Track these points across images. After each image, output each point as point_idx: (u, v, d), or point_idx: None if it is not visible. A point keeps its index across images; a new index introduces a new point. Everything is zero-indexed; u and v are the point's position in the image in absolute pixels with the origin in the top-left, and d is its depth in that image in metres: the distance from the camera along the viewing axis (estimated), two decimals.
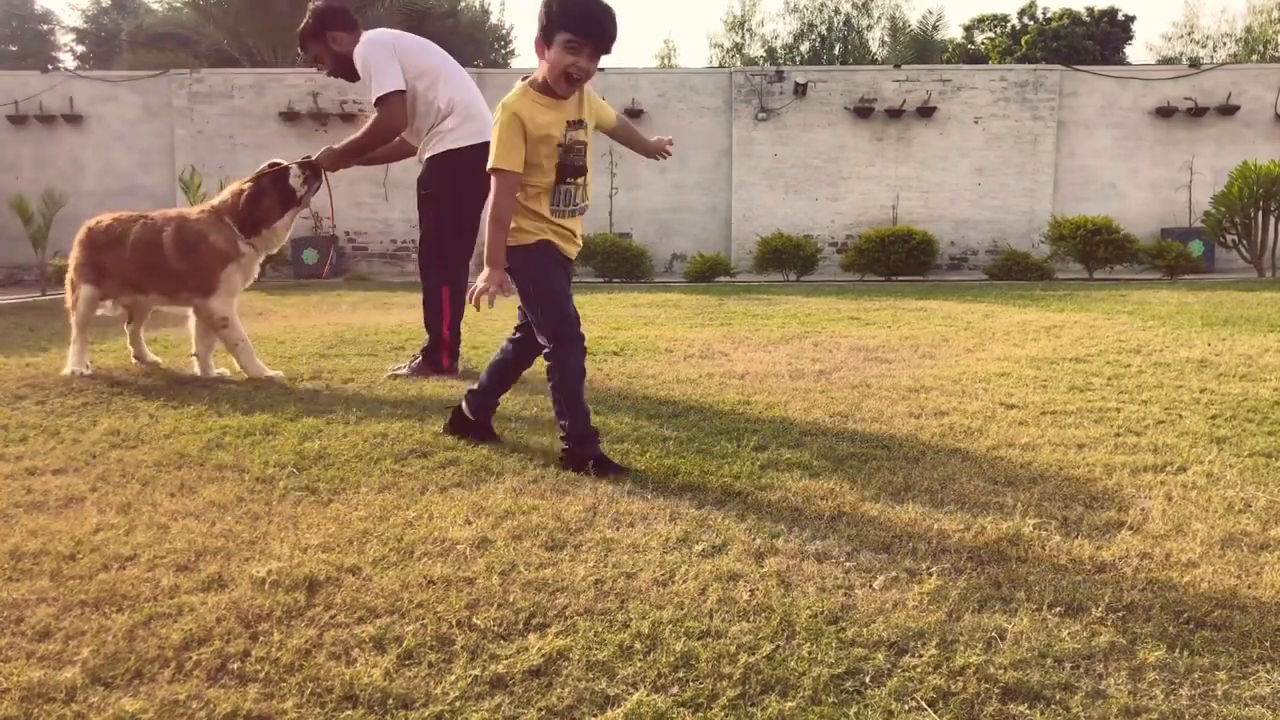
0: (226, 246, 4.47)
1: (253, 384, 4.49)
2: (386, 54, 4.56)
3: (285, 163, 4.58)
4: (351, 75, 4.74)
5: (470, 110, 4.74)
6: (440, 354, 4.78)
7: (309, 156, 4.66)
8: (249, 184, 4.53)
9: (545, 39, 2.88)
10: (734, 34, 34.89)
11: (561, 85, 2.91)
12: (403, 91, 4.54)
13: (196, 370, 4.74)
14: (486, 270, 3.00)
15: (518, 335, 3.26)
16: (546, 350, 3.03)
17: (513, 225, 3.02)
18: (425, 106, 4.67)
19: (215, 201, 4.63)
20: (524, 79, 3.01)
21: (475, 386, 3.37)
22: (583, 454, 2.98)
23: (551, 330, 3.01)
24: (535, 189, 3.01)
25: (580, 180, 3.07)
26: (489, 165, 2.96)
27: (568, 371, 2.99)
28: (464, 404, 3.38)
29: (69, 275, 4.86)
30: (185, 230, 4.48)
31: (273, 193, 4.50)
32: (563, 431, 3.03)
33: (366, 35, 4.67)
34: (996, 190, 14.54)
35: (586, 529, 2.45)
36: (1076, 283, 11.37)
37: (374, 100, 4.56)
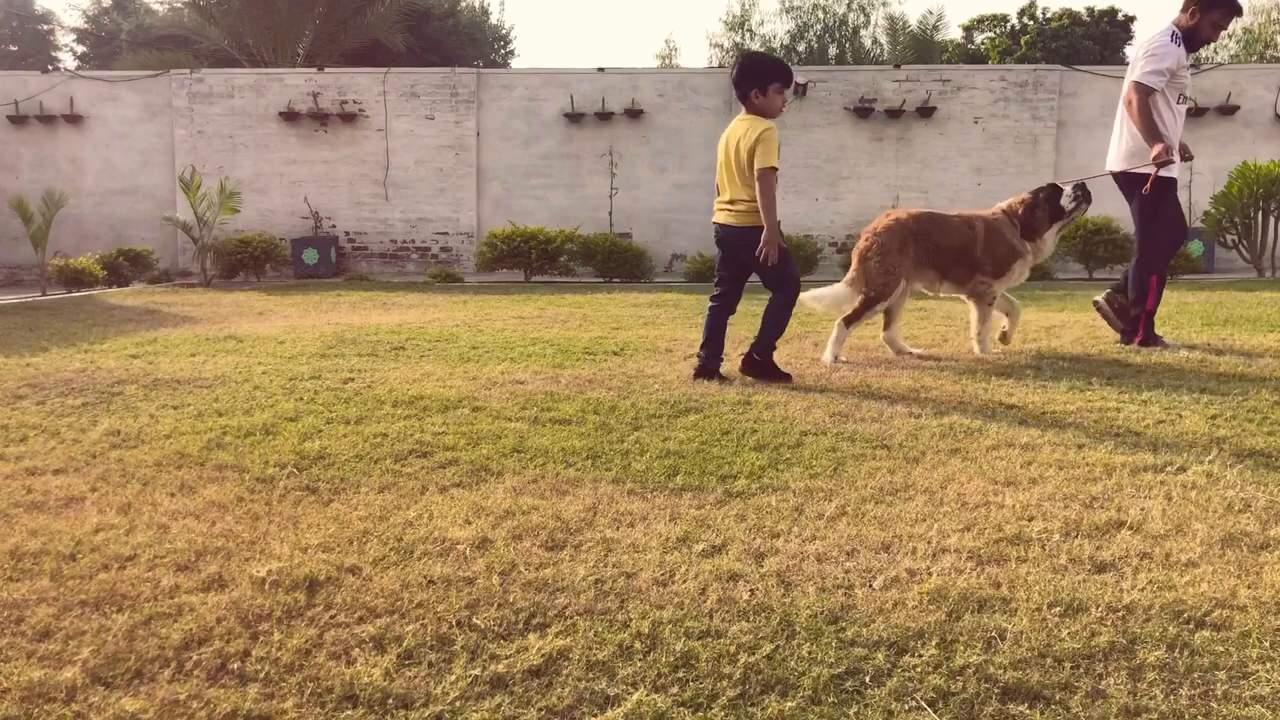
0: (1018, 245, 5.21)
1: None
2: None
3: (1065, 186, 5.29)
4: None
5: None
6: (1139, 327, 5.42)
7: (1083, 180, 5.30)
8: (1024, 198, 5.28)
9: (761, 87, 4.51)
10: (734, 34, 34.89)
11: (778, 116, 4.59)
12: None
13: (978, 350, 5.26)
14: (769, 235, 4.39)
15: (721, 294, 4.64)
16: (785, 291, 4.56)
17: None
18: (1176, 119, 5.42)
19: (1004, 205, 5.35)
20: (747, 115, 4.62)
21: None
22: (763, 364, 4.51)
23: (795, 279, 4.62)
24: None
25: None
26: (772, 164, 4.38)
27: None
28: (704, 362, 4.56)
29: (874, 263, 5.08)
30: (992, 228, 5.19)
31: (1045, 208, 5.23)
32: (764, 349, 4.53)
33: None
34: (996, 190, 14.51)
35: (586, 529, 2.45)
36: (1076, 283, 11.37)
37: None
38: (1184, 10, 5.42)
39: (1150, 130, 5.28)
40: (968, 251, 5.17)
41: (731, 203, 4.53)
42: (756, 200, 4.40)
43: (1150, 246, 5.49)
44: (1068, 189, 5.26)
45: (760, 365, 4.53)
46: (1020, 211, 5.23)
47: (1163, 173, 5.34)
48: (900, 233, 5.11)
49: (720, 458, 3.12)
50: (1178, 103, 5.49)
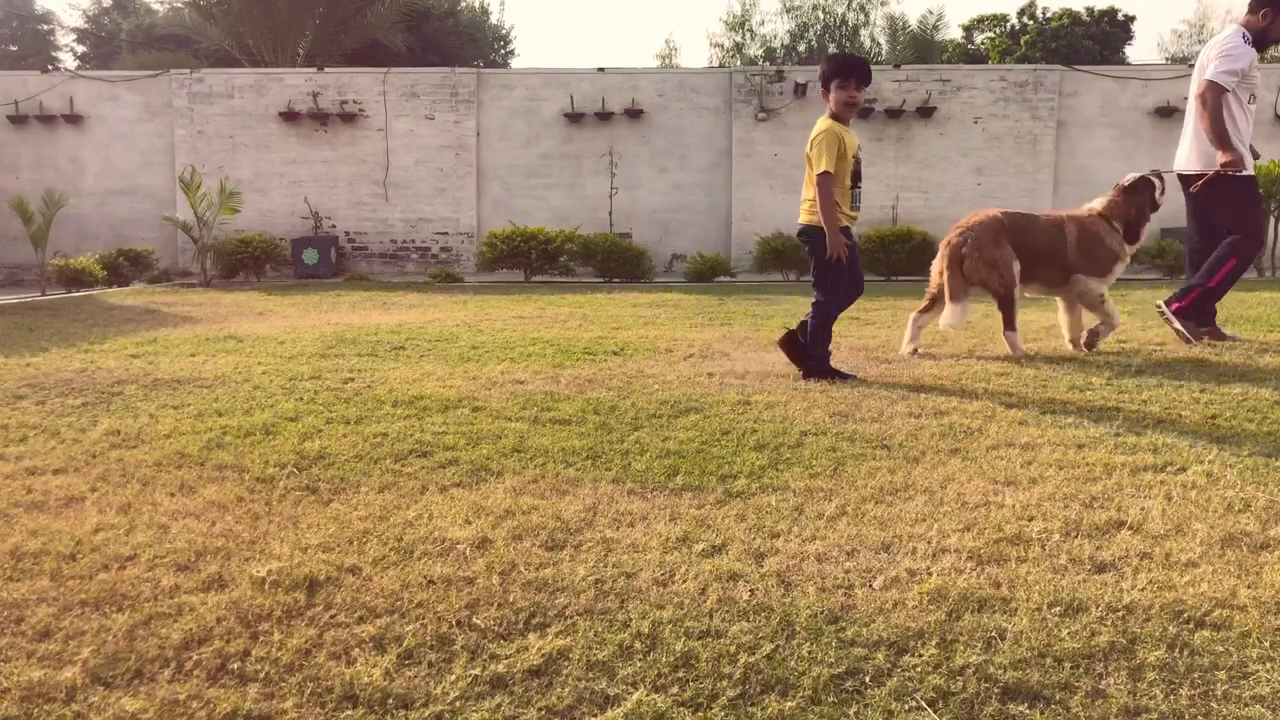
0: (1118, 249, 5.17)
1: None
2: None
3: (1152, 177, 5.28)
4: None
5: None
6: (1188, 296, 5.60)
7: (1158, 171, 5.32)
8: (1120, 195, 5.20)
9: (825, 88, 4.61)
10: (734, 34, 34.89)
11: (847, 114, 4.60)
12: None
13: (1071, 348, 5.33)
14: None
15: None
16: (818, 297, 4.66)
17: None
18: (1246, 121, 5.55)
19: (1099, 206, 5.26)
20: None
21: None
22: (823, 369, 4.55)
23: (832, 290, 4.66)
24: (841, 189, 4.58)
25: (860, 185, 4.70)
26: (823, 168, 4.47)
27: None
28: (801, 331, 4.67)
29: (977, 260, 5.08)
30: (1085, 230, 5.15)
31: (1149, 206, 5.23)
32: (812, 355, 4.60)
33: None
34: (997, 190, 14.54)
35: (586, 529, 2.45)
36: None
37: None
38: (1253, 11, 5.47)
39: (1220, 135, 5.34)
40: (1060, 253, 5.12)
41: (805, 200, 4.73)
42: (814, 199, 4.59)
43: (1243, 237, 5.60)
44: (1156, 182, 5.28)
45: (817, 372, 4.56)
46: (1132, 212, 5.17)
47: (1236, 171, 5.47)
48: (994, 226, 5.15)
49: (720, 458, 3.12)
50: (1249, 103, 5.56)
